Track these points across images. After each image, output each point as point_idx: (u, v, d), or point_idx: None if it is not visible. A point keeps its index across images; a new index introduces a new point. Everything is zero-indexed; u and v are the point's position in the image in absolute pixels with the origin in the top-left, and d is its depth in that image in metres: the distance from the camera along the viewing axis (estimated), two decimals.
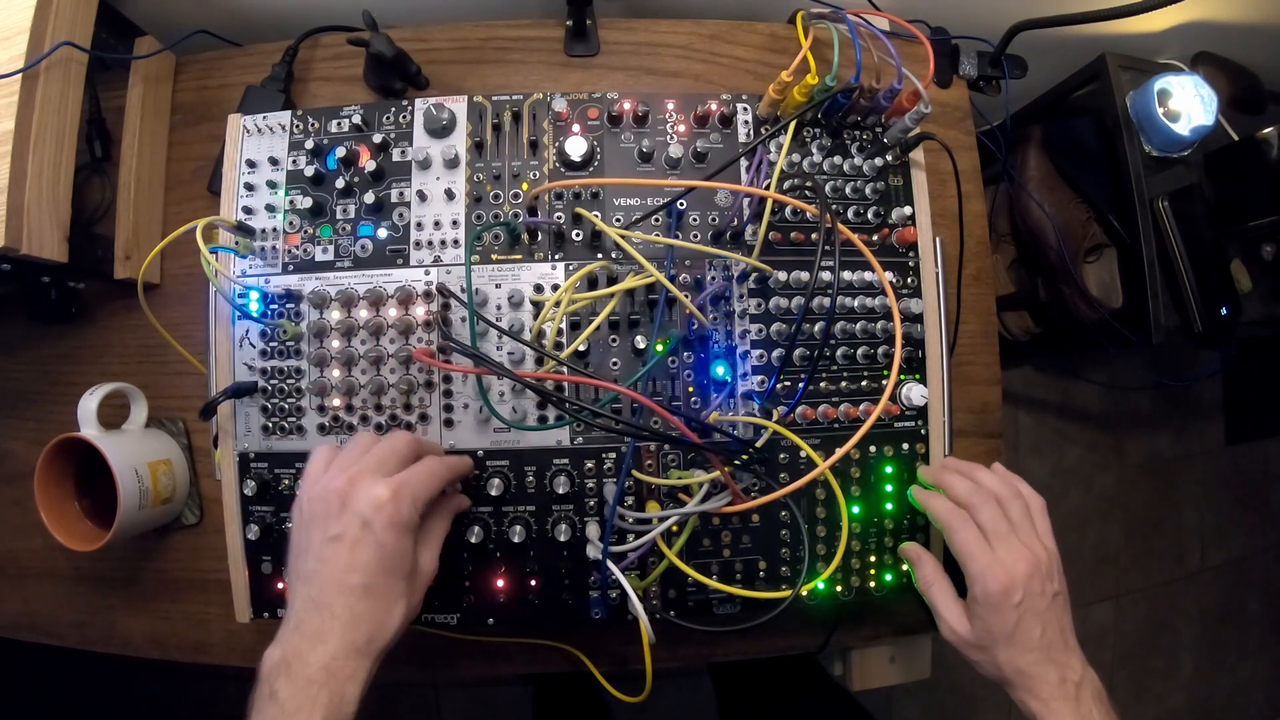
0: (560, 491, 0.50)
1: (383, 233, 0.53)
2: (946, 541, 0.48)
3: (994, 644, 0.44)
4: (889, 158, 0.56)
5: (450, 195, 0.53)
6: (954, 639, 0.47)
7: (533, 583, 0.51)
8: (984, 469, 0.51)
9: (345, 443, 0.45)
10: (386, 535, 0.38)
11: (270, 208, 0.53)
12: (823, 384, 0.54)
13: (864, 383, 0.54)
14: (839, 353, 0.54)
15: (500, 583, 0.51)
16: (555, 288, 0.52)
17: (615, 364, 0.52)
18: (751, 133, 0.55)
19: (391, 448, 0.42)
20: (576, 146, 0.52)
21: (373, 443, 0.43)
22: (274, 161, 0.53)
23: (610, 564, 0.46)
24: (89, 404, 0.54)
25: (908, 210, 0.56)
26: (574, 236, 0.53)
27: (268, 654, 0.36)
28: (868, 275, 0.54)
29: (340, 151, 0.53)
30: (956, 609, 0.47)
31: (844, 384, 0.54)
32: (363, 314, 0.52)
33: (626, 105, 0.53)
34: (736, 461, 0.49)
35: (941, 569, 0.50)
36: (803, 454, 0.52)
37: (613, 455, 0.52)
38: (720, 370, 0.52)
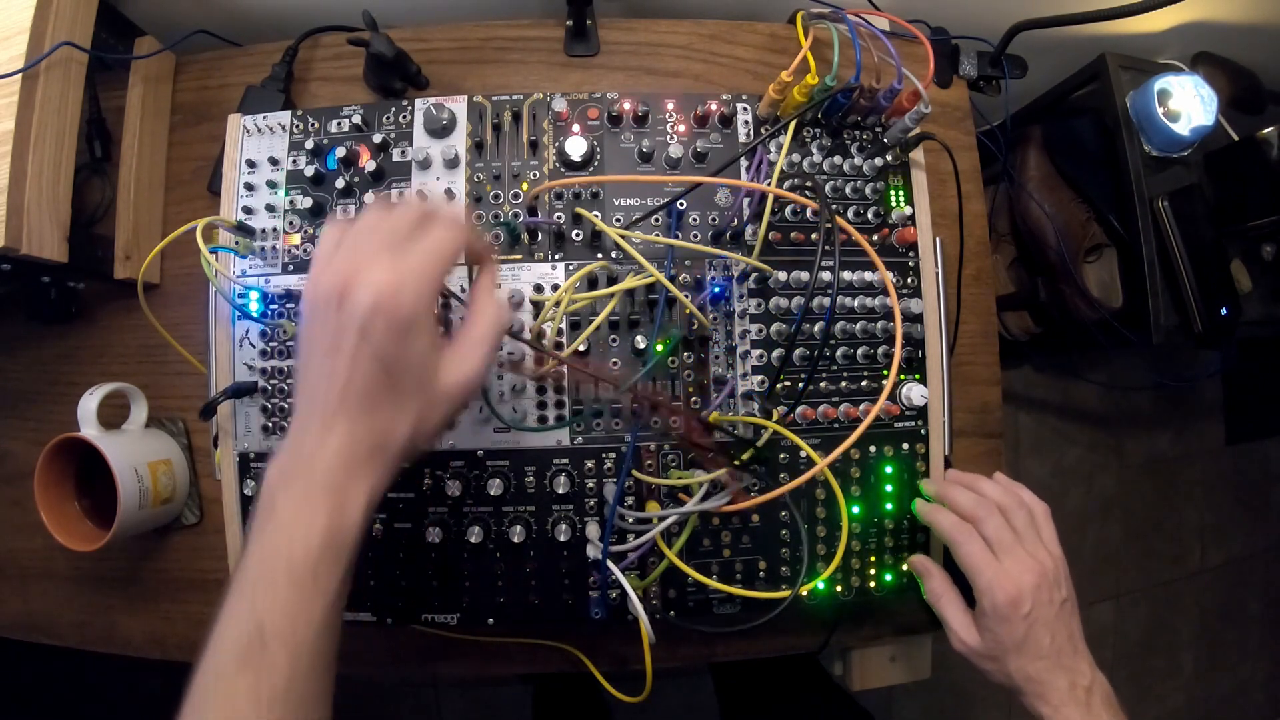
0: (560, 491, 0.50)
1: None
2: (953, 555, 0.48)
3: (1004, 654, 0.45)
4: (889, 158, 0.56)
5: (450, 195, 0.53)
6: (964, 650, 0.47)
7: (533, 583, 0.51)
8: (986, 479, 0.50)
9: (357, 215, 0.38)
10: (386, 340, 0.33)
11: (270, 208, 0.53)
12: (823, 384, 0.54)
13: (864, 383, 0.54)
14: (839, 353, 0.54)
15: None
16: (555, 288, 0.52)
17: (615, 364, 0.52)
18: (751, 133, 0.55)
19: (392, 226, 0.35)
20: (576, 146, 0.52)
21: (382, 217, 0.36)
22: (274, 161, 0.53)
23: (610, 564, 0.46)
24: (89, 404, 0.54)
25: (908, 210, 0.56)
26: (574, 236, 0.53)
27: (269, 470, 0.34)
28: (868, 275, 0.54)
29: (340, 151, 0.53)
30: (966, 621, 0.48)
31: (844, 384, 0.54)
32: None
33: (626, 105, 0.53)
34: (736, 461, 0.49)
35: (950, 581, 0.50)
36: (803, 454, 0.52)
37: (613, 455, 0.52)
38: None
